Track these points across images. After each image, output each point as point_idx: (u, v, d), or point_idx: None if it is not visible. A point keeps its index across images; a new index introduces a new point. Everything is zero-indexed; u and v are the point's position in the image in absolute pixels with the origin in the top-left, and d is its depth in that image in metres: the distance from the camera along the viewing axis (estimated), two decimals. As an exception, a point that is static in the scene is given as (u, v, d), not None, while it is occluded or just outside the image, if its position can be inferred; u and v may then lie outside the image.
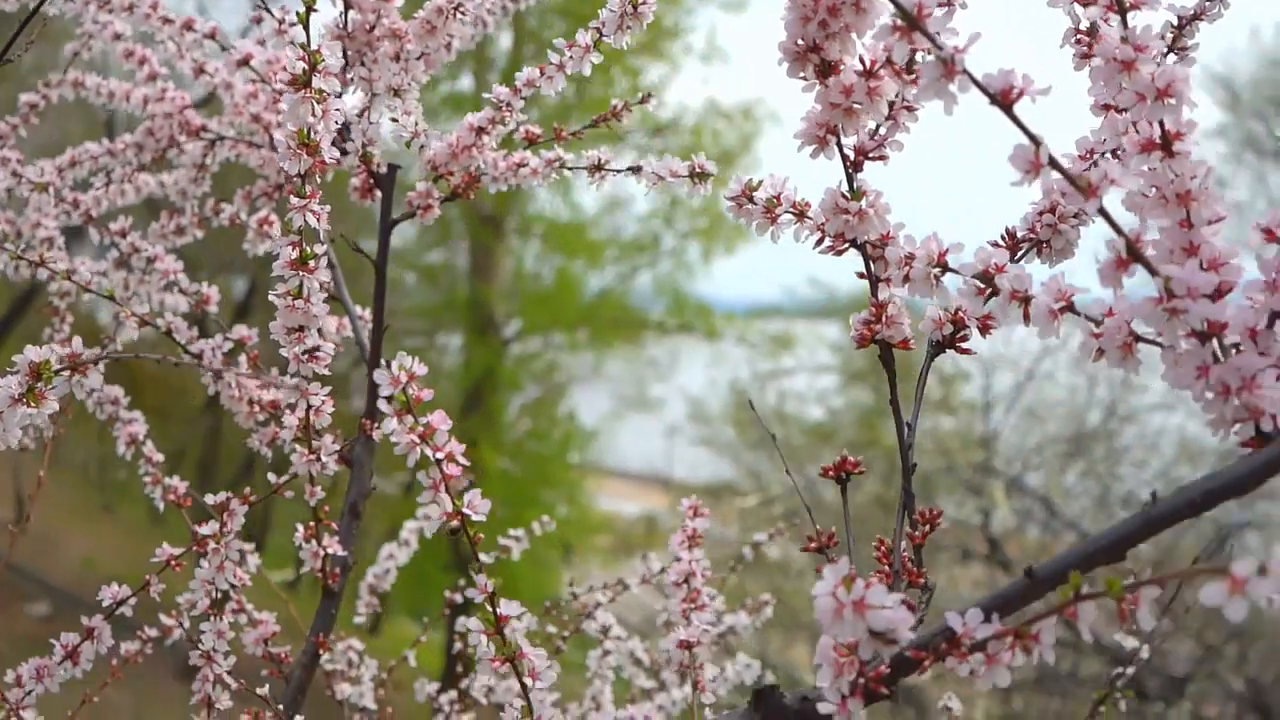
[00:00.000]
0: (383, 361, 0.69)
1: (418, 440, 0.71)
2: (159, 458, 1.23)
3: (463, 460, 0.73)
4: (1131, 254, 0.59)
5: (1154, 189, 0.63)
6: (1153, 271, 0.59)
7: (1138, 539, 0.59)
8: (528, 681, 0.75)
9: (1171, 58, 0.82)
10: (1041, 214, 0.78)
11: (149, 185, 1.48)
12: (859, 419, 10.62)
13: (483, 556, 1.52)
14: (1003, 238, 0.79)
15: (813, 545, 0.73)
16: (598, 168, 1.09)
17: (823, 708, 0.63)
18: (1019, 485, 6.59)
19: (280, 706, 1.07)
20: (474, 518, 0.73)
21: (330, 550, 1.08)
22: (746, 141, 11.38)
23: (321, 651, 1.12)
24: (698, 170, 0.97)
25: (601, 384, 12.53)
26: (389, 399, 0.70)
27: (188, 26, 1.18)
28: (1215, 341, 0.60)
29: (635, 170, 1.02)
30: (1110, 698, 1.21)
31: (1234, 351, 0.60)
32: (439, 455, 0.72)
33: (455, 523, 0.73)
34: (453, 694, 1.48)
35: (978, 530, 6.41)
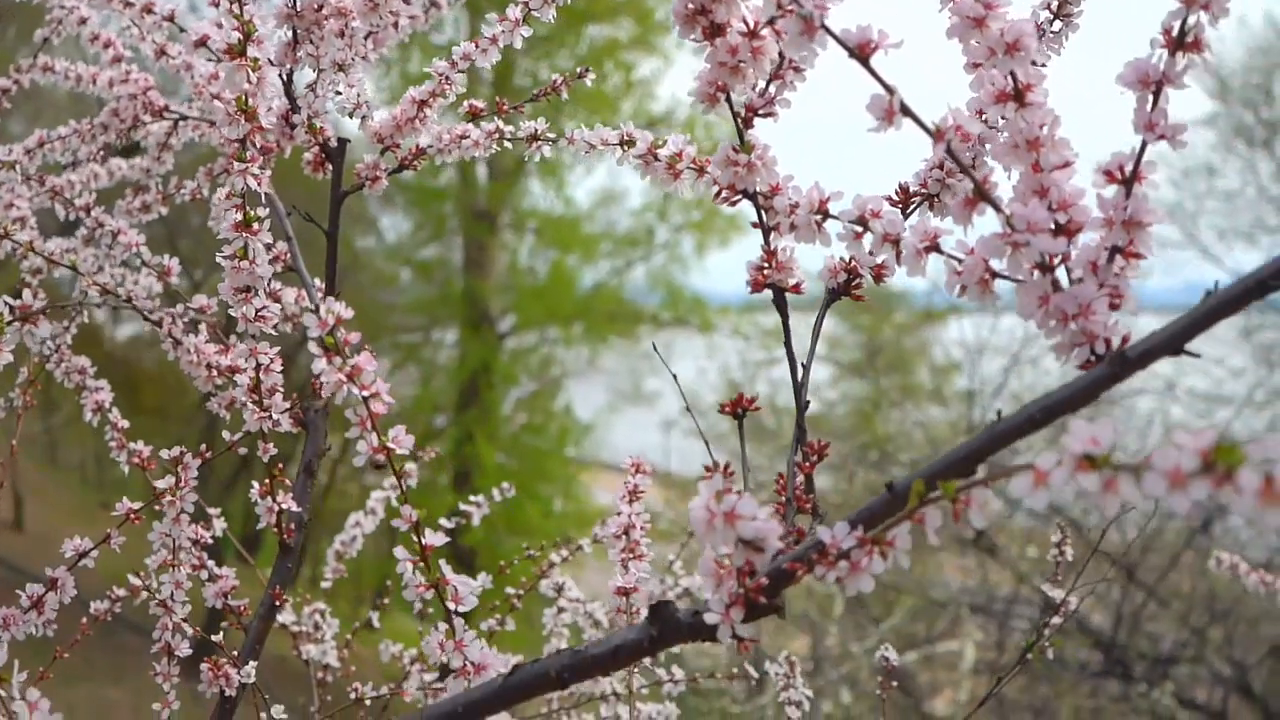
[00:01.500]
0: (311, 305, 0.74)
1: (345, 379, 0.77)
2: (125, 424, 1.29)
3: (388, 398, 0.78)
4: (979, 194, 0.65)
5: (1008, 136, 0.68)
6: (998, 210, 0.65)
7: (986, 453, 0.64)
8: (450, 605, 0.80)
9: (1058, 24, 0.88)
10: (931, 169, 0.84)
11: (121, 169, 1.54)
12: (852, 409, 10.69)
13: (443, 522, 1.57)
14: (896, 192, 0.85)
15: (708, 475, 0.78)
16: (535, 138, 1.15)
17: (708, 618, 0.68)
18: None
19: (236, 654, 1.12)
20: (398, 451, 0.79)
21: (285, 506, 1.14)
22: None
23: (278, 604, 1.18)
24: (626, 139, 1.02)
25: (597, 378, 12.59)
26: (318, 340, 0.76)
27: (147, 9, 1.23)
28: (1062, 272, 0.66)
29: (569, 140, 1.08)
30: (1037, 645, 1.26)
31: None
32: (366, 393, 0.77)
33: (381, 457, 0.79)
34: (414, 651, 1.54)
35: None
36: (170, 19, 1.25)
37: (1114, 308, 0.65)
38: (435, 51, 1.19)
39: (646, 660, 1.54)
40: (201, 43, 1.19)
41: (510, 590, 1.52)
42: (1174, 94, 0.66)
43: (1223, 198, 9.22)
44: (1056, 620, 1.28)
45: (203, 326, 1.22)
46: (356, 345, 0.77)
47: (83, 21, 1.37)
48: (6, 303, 0.79)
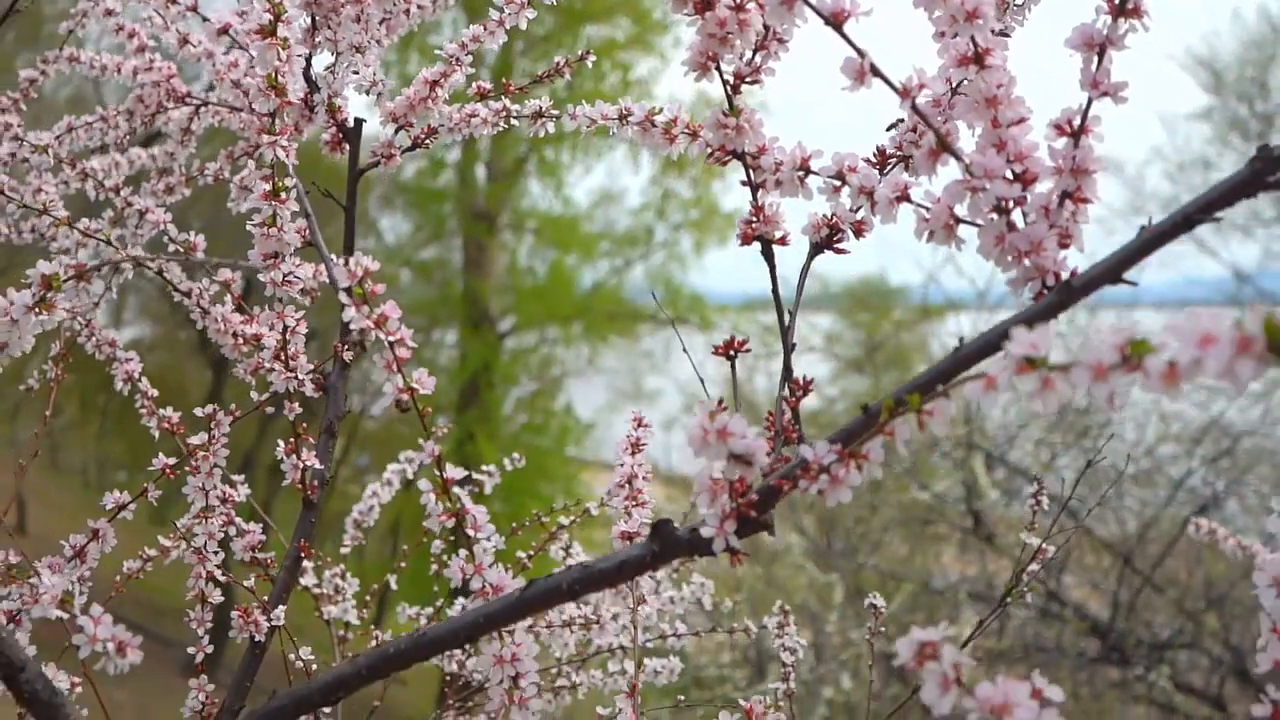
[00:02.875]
0: (340, 259, 0.82)
1: (373, 326, 0.84)
2: (154, 393, 1.36)
3: (411, 344, 0.86)
4: (941, 145, 0.72)
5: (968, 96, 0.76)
6: (959, 159, 0.72)
7: (950, 375, 0.72)
8: (470, 533, 0.88)
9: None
10: (905, 133, 0.91)
11: (140, 157, 1.62)
12: (852, 405, 10.76)
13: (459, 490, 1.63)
14: (874, 154, 0.92)
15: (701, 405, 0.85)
16: (539, 115, 1.22)
17: (704, 531, 0.76)
18: (1001, 460, 6.74)
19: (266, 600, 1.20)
20: (422, 392, 0.86)
21: (309, 464, 1.21)
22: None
23: (303, 556, 1.25)
24: (624, 113, 1.09)
25: (597, 377, 12.65)
26: (347, 290, 0.83)
27: (170, 0, 1.31)
28: (1018, 217, 0.73)
29: (572, 116, 1.15)
30: (1016, 590, 1.34)
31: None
32: (392, 339, 0.85)
33: (406, 397, 0.86)
34: (430, 610, 1.61)
35: (961, 502, 6.56)
36: (194, 8, 1.33)
37: (1064, 246, 0.72)
38: (433, 53, 1.27)
39: (655, 617, 1.62)
40: (223, 31, 1.27)
41: (521, 554, 1.59)
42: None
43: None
44: (1034, 567, 1.35)
45: (228, 297, 1.29)
46: (381, 297, 0.85)
47: (109, 13, 1.44)
48: (61, 261, 0.87)
